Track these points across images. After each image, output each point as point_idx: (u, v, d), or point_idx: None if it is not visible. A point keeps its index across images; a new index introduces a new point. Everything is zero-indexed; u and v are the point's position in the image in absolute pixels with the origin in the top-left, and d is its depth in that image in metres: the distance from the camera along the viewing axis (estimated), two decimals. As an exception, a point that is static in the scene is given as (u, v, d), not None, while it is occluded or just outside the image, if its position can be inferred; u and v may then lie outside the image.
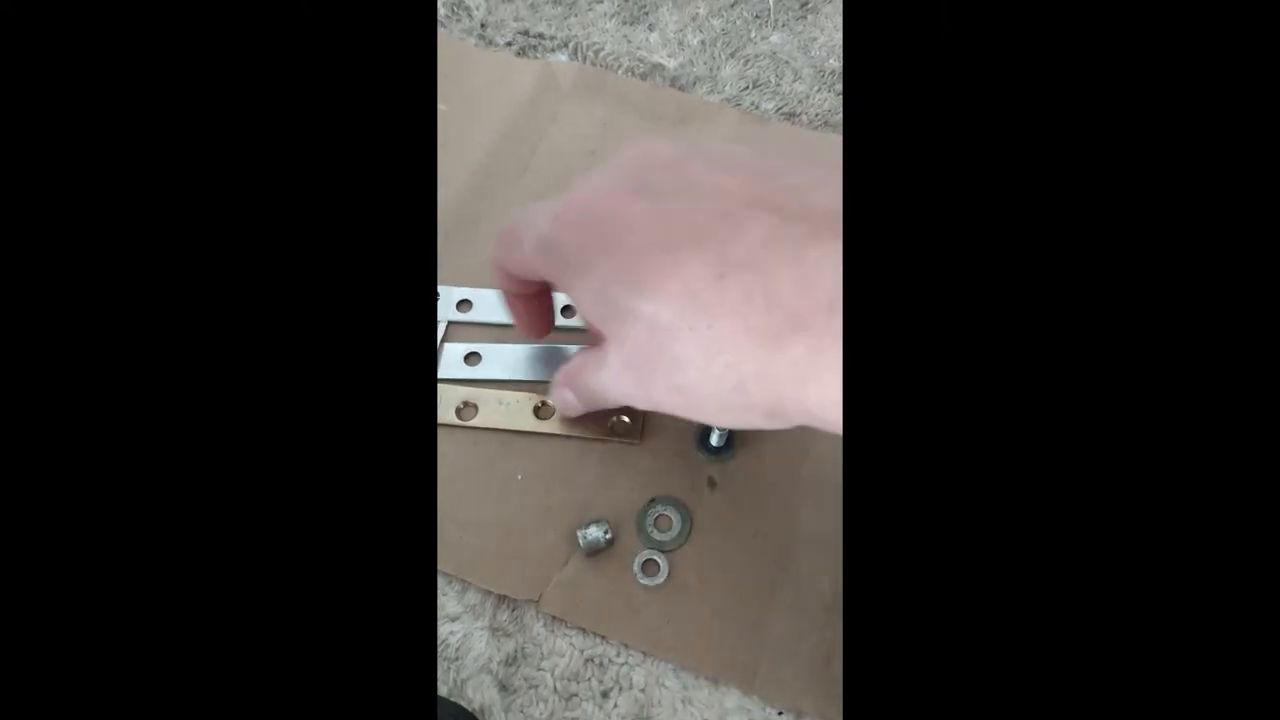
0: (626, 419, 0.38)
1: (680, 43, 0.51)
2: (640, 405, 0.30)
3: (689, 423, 0.38)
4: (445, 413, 0.38)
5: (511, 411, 0.39)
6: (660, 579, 0.34)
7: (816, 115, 0.48)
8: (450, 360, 0.40)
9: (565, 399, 0.35)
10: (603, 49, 0.50)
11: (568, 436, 0.38)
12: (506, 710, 0.33)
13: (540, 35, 0.51)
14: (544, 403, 0.39)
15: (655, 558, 0.35)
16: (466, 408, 0.39)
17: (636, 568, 0.34)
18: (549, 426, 0.38)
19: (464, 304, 0.41)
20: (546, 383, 0.39)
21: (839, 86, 0.49)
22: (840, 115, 0.48)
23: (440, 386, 0.39)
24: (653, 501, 0.36)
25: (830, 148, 0.47)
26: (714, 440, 0.37)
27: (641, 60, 0.50)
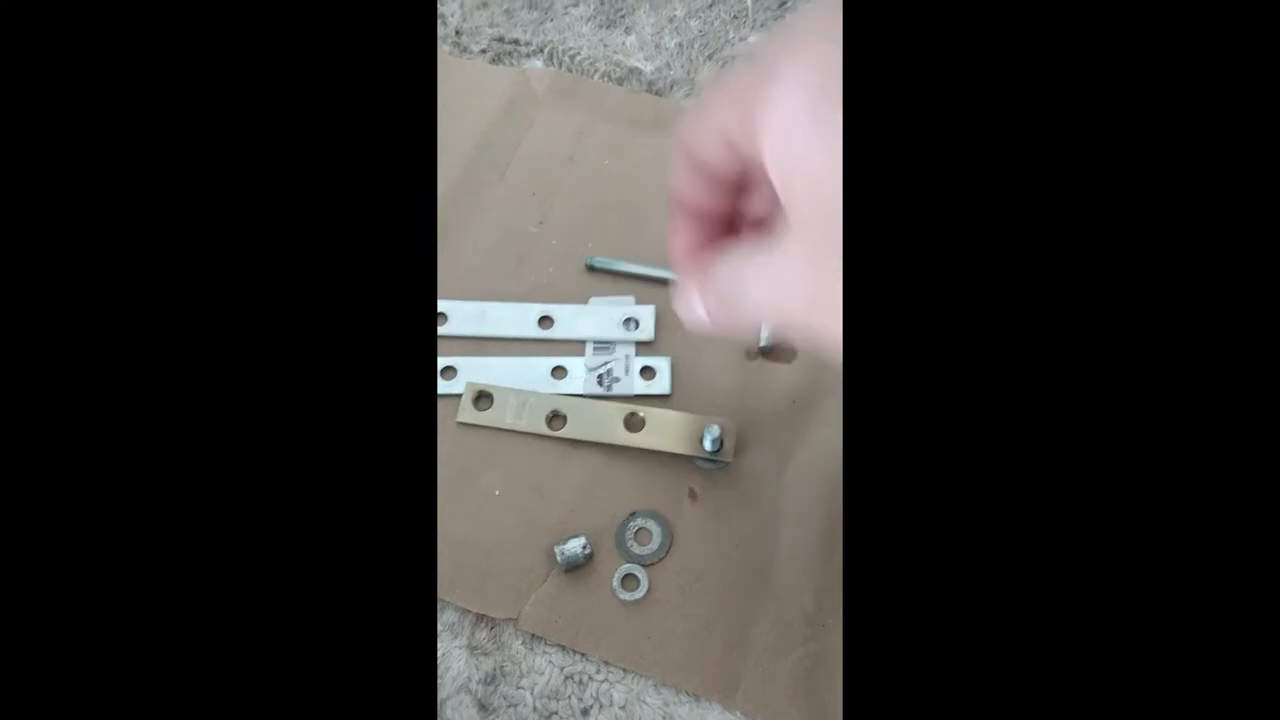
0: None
1: (657, 45, 0.51)
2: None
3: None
4: (536, 423, 0.38)
5: (601, 423, 0.38)
6: (640, 594, 0.34)
7: (795, 117, 0.48)
8: (426, 374, 0.39)
9: (692, 309, 0.27)
10: (579, 53, 0.50)
11: (656, 452, 0.37)
12: (486, 731, 0.33)
13: (515, 41, 0.50)
14: (634, 414, 0.38)
15: (635, 572, 0.34)
16: (556, 418, 0.38)
17: (616, 583, 0.34)
18: (639, 440, 0.37)
19: (439, 317, 0.41)
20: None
21: (818, 87, 0.49)
22: (819, 117, 0.48)
23: (533, 396, 0.38)
24: (632, 515, 0.36)
25: None
26: (707, 445, 0.37)
27: (618, 64, 0.49)
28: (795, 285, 0.22)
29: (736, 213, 0.27)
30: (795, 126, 0.21)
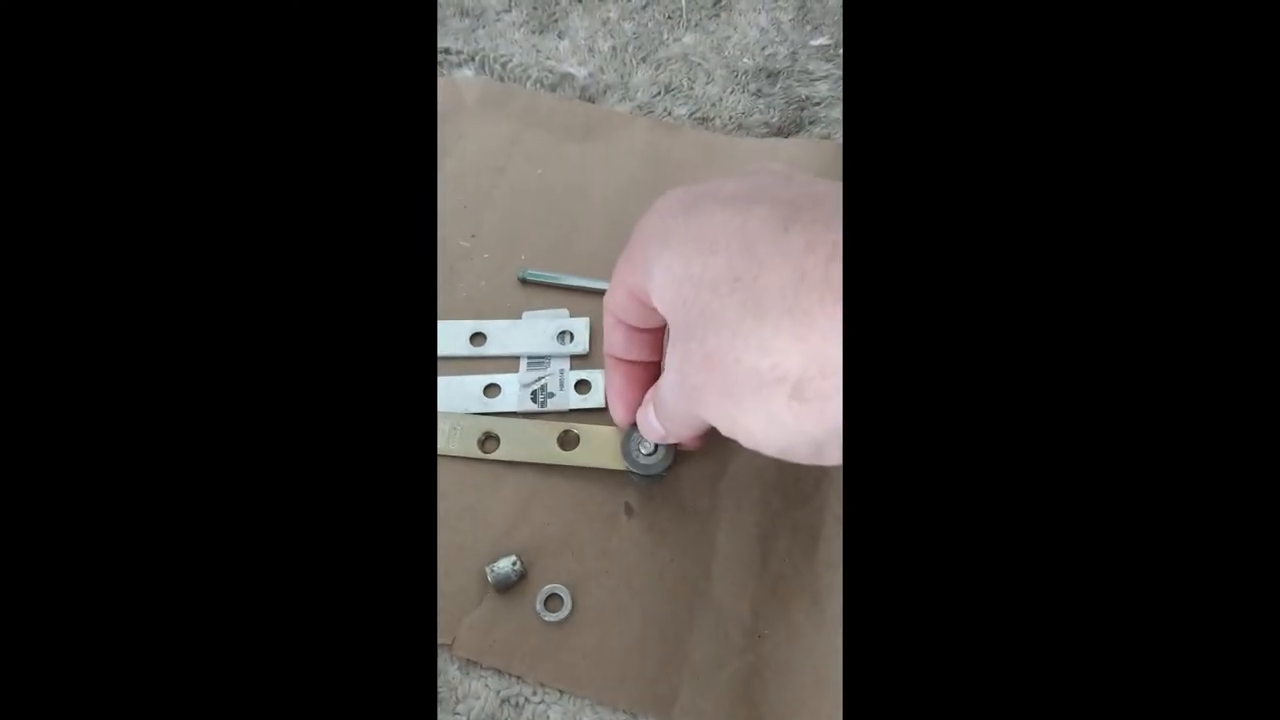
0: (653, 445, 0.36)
1: (591, 49, 0.50)
2: (686, 415, 0.29)
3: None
4: (469, 446, 0.37)
5: (535, 442, 0.37)
6: (564, 613, 0.34)
7: (730, 118, 0.47)
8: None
9: (647, 420, 0.33)
10: (510, 60, 0.49)
11: (590, 468, 0.36)
12: (421, 759, 0.32)
13: (446, 50, 0.50)
14: (568, 431, 0.37)
15: (558, 592, 0.34)
16: (489, 440, 0.38)
17: (539, 605, 0.34)
18: (574, 458, 0.37)
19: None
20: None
21: (753, 86, 0.48)
22: (754, 117, 0.47)
23: (465, 419, 0.38)
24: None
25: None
26: (643, 449, 0.36)
27: (550, 70, 0.49)
28: (686, 382, 0.27)
29: (658, 362, 0.34)
30: (652, 267, 0.27)
